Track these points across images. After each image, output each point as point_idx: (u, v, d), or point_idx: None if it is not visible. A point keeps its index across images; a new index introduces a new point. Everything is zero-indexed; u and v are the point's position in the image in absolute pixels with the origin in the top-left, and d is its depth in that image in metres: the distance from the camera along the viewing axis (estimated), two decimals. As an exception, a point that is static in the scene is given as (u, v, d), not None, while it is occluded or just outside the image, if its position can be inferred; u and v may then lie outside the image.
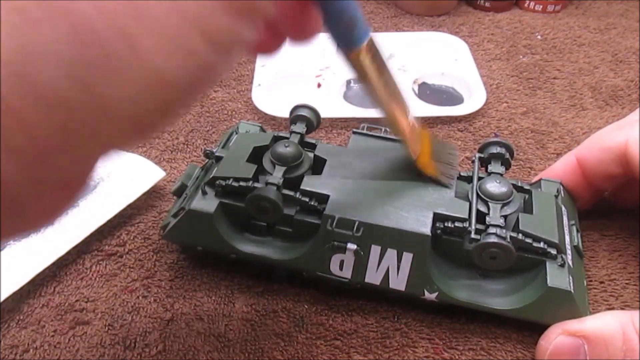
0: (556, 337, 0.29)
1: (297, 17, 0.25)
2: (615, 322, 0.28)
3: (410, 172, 0.34)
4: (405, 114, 0.32)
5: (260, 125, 0.39)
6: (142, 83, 0.16)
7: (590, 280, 0.35)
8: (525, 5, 0.65)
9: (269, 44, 0.26)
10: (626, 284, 0.35)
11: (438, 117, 0.48)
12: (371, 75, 0.29)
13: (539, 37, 0.60)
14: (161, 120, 0.18)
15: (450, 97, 0.51)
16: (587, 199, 0.37)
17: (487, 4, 0.64)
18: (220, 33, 0.17)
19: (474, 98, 0.49)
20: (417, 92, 0.51)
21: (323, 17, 0.25)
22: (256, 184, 0.33)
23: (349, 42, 0.27)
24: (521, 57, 0.57)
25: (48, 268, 0.34)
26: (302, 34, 0.26)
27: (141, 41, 0.15)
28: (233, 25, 0.17)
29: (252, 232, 0.34)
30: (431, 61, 0.54)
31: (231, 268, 0.35)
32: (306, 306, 0.34)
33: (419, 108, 0.48)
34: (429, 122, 0.48)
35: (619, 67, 0.55)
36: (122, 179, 0.40)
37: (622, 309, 0.33)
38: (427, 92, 0.51)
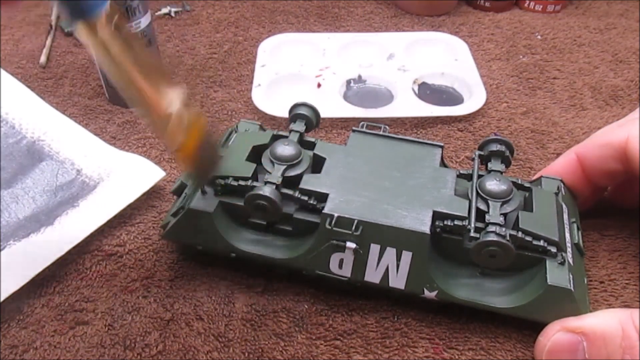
0: (555, 333, 0.29)
1: None
2: (615, 320, 0.28)
3: (409, 171, 0.34)
4: (164, 100, 0.28)
5: (259, 123, 0.39)
6: None
7: (590, 280, 0.35)
8: (525, 5, 0.65)
9: None
10: (626, 284, 0.35)
11: (438, 117, 0.48)
12: (109, 51, 0.25)
13: (539, 37, 0.60)
14: None
15: (450, 97, 0.51)
16: (587, 196, 0.37)
17: (487, 4, 0.64)
18: None
19: (474, 98, 0.49)
20: (417, 92, 0.51)
21: None
22: (255, 183, 0.33)
23: (80, 11, 0.24)
24: (521, 57, 0.57)
25: (48, 268, 0.34)
26: None
27: None
28: None
29: (251, 231, 0.34)
30: (431, 61, 0.54)
31: (231, 268, 0.35)
32: (306, 306, 0.34)
33: (419, 108, 0.48)
34: (429, 122, 0.48)
35: (619, 67, 0.55)
36: (122, 179, 0.40)
37: (622, 308, 0.33)
38: (427, 92, 0.51)
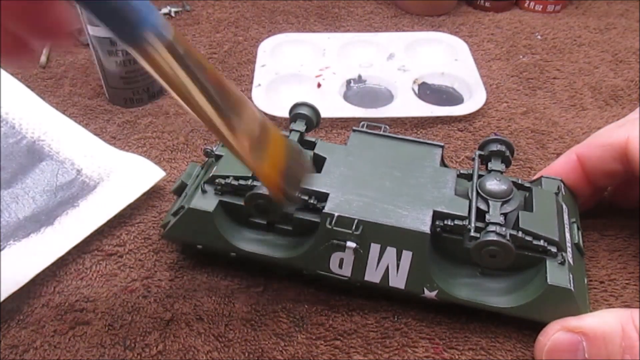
0: (555, 333, 0.29)
1: (30, 15, 0.21)
2: (615, 320, 0.28)
3: (409, 170, 0.34)
4: (244, 116, 0.26)
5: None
6: None
7: (591, 280, 0.35)
8: (525, 5, 0.65)
9: (12, 48, 0.23)
10: (626, 284, 0.35)
11: (438, 117, 0.48)
12: (172, 76, 0.23)
13: (539, 37, 0.60)
14: None
15: (450, 97, 0.51)
16: (587, 197, 0.37)
17: (487, 4, 0.64)
18: None
19: (474, 98, 0.49)
20: (417, 92, 0.51)
21: (88, 10, 0.21)
22: (255, 183, 0.33)
23: (131, 32, 0.21)
24: (521, 57, 0.57)
25: (48, 268, 0.34)
26: (47, 33, 0.23)
27: None
28: None
29: (251, 230, 0.34)
30: (431, 61, 0.54)
31: (231, 268, 0.35)
32: (306, 306, 0.34)
33: (419, 108, 0.48)
34: (429, 122, 0.48)
35: (619, 67, 0.55)
36: (122, 179, 0.40)
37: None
38: (427, 92, 0.51)
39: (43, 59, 0.55)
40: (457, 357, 0.31)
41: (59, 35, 0.23)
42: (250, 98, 0.49)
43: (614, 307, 0.33)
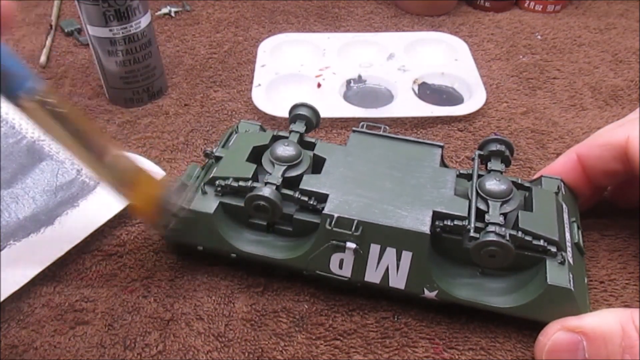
0: (555, 332, 0.29)
1: None
2: (615, 319, 0.28)
3: (409, 171, 0.34)
4: (116, 161, 0.31)
5: (260, 124, 0.39)
6: None
7: (591, 280, 0.35)
8: (525, 5, 0.65)
9: None
10: (626, 284, 0.35)
11: (438, 117, 0.48)
12: (49, 126, 0.29)
13: (539, 37, 0.60)
14: None
15: (450, 97, 0.51)
16: (587, 196, 0.37)
17: (487, 4, 0.64)
18: None
19: (474, 98, 0.49)
20: (417, 92, 0.51)
21: None
22: (255, 184, 0.33)
23: (6, 92, 0.27)
24: (521, 57, 0.57)
25: (48, 268, 0.34)
26: None
27: None
28: None
29: (252, 231, 0.34)
30: (431, 61, 0.54)
31: (231, 268, 0.35)
32: (306, 306, 0.34)
33: (419, 108, 0.48)
34: (429, 122, 0.48)
35: (619, 67, 0.55)
36: (122, 179, 0.40)
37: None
38: (427, 92, 0.51)
39: (43, 59, 0.55)
40: (457, 357, 0.31)
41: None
42: (250, 98, 0.49)
43: (614, 307, 0.33)
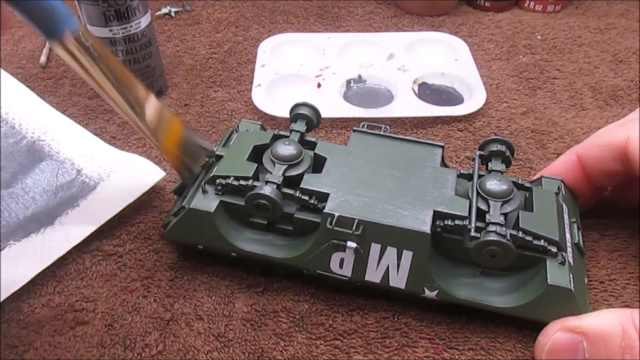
0: (555, 333, 0.29)
1: None
2: (615, 320, 0.28)
3: (410, 170, 0.34)
4: (146, 103, 0.32)
5: (260, 123, 0.39)
6: None
7: (591, 280, 0.35)
8: (525, 5, 0.65)
9: None
10: (626, 284, 0.35)
11: (438, 117, 0.48)
12: (87, 66, 0.29)
13: (539, 37, 0.60)
14: None
15: (450, 97, 0.51)
16: (587, 197, 0.37)
17: (487, 4, 0.64)
18: None
19: (474, 98, 0.49)
20: (417, 92, 0.51)
21: (17, 11, 0.25)
22: (256, 183, 0.33)
23: (49, 31, 0.27)
24: (521, 57, 0.57)
25: (48, 268, 0.34)
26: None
27: None
28: None
29: (252, 230, 0.34)
30: (431, 61, 0.54)
31: (231, 268, 0.35)
32: (306, 306, 0.34)
33: (419, 108, 0.48)
34: (429, 122, 0.48)
35: (619, 67, 0.55)
36: (122, 179, 0.40)
37: (622, 308, 0.33)
38: (427, 92, 0.51)
39: (43, 59, 0.55)
40: (457, 357, 0.31)
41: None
42: (250, 98, 0.49)
43: (614, 307, 0.33)
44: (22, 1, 0.26)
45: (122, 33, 0.45)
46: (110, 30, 0.44)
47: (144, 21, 0.46)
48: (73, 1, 0.43)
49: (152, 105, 0.32)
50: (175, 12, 0.63)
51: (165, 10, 0.63)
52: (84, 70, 0.29)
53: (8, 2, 0.25)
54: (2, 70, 0.49)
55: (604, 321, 0.28)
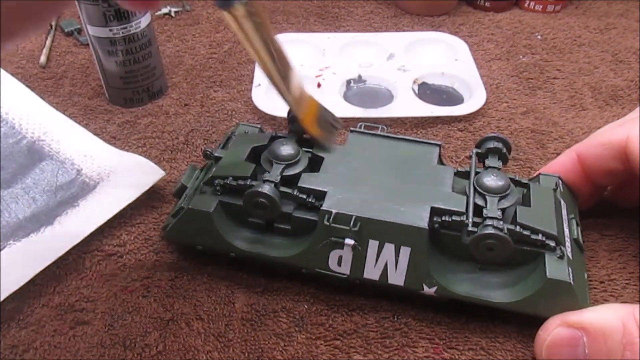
0: (555, 328, 0.29)
1: None
2: (616, 315, 0.28)
3: (407, 169, 0.34)
4: (291, 77, 0.33)
5: (259, 126, 0.39)
6: None
7: (591, 280, 0.35)
8: (525, 5, 0.65)
9: None
10: (626, 284, 0.35)
11: (438, 117, 0.48)
12: (251, 35, 0.29)
13: (539, 37, 0.60)
14: None
15: (450, 97, 0.51)
16: (587, 195, 0.37)
17: (487, 4, 0.64)
18: None
19: (474, 98, 0.49)
20: (417, 92, 0.51)
21: None
22: (254, 182, 0.33)
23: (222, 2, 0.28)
24: (521, 57, 0.57)
25: (48, 268, 0.34)
26: None
27: None
28: None
29: (251, 230, 0.34)
30: (431, 61, 0.54)
31: (231, 268, 0.35)
32: (306, 306, 0.34)
33: (419, 108, 0.48)
34: (429, 122, 0.48)
35: (619, 67, 0.55)
36: (122, 179, 0.40)
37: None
38: (427, 92, 0.51)
39: (43, 59, 0.55)
40: (457, 357, 0.31)
41: None
42: (250, 98, 0.49)
43: (614, 305, 0.33)
44: None
45: (122, 33, 0.45)
46: (110, 30, 0.44)
47: (144, 21, 0.46)
48: (73, 1, 0.42)
49: (295, 78, 0.33)
50: (175, 12, 0.63)
51: (165, 10, 0.63)
52: (248, 39, 0.29)
53: None
54: (2, 70, 0.49)
55: (605, 317, 0.28)
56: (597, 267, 0.36)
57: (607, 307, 0.30)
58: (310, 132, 0.35)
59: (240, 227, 0.34)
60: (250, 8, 0.28)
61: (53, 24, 0.60)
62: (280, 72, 0.32)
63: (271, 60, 0.31)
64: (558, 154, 0.41)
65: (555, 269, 0.30)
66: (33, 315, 0.33)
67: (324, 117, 0.37)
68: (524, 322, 0.32)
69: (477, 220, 0.31)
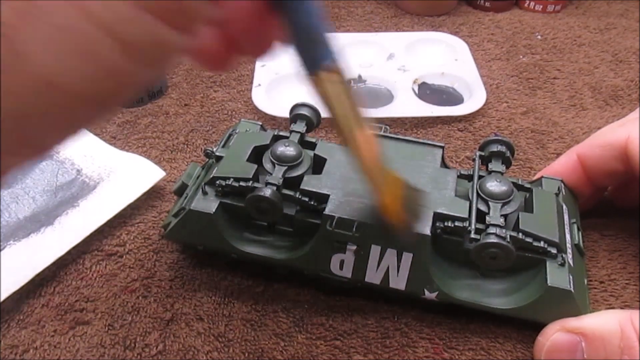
0: (554, 333, 0.29)
1: (254, 25, 0.22)
2: (614, 321, 0.28)
3: (410, 171, 0.34)
4: (375, 150, 0.28)
5: (260, 124, 0.39)
6: (28, 89, 0.13)
7: (590, 280, 0.35)
8: (525, 5, 0.65)
9: (221, 57, 0.23)
10: (626, 284, 0.35)
11: (438, 117, 0.48)
12: (340, 103, 0.26)
13: (539, 37, 0.60)
14: (68, 128, 0.16)
15: (450, 97, 0.51)
16: (588, 196, 0.37)
17: (487, 4, 0.64)
18: (138, 37, 0.14)
19: (474, 98, 0.49)
20: (417, 92, 0.51)
21: (288, 30, 0.23)
22: (256, 184, 0.32)
23: (314, 60, 0.25)
24: (521, 57, 0.57)
25: (48, 268, 0.34)
26: (260, 46, 0.23)
27: (24, 41, 0.13)
28: (156, 28, 0.14)
29: (252, 231, 0.34)
30: (431, 61, 0.54)
31: (231, 268, 0.35)
32: (306, 306, 0.34)
33: (419, 108, 0.48)
34: (429, 122, 0.48)
35: (619, 67, 0.55)
36: (122, 179, 0.40)
37: (622, 308, 0.33)
38: (427, 92, 0.51)
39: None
40: (457, 357, 0.31)
41: (269, 49, 0.24)
42: (250, 98, 0.49)
43: (613, 308, 0.33)
44: (299, 19, 0.23)
45: (122, 33, 0.45)
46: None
47: (144, 21, 0.46)
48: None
49: (379, 151, 0.28)
50: (175, 12, 0.63)
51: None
52: (332, 108, 0.26)
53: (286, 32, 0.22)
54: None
55: (603, 322, 0.28)
56: (597, 267, 0.36)
57: (606, 312, 0.30)
58: (395, 221, 0.29)
59: (241, 229, 0.34)
60: (342, 73, 0.25)
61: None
62: (363, 145, 0.27)
63: (356, 132, 0.26)
64: (558, 154, 0.41)
65: (557, 276, 0.30)
66: (33, 315, 0.33)
67: (411, 198, 0.30)
68: (524, 323, 0.32)
69: (479, 226, 0.31)
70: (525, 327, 0.32)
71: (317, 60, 0.24)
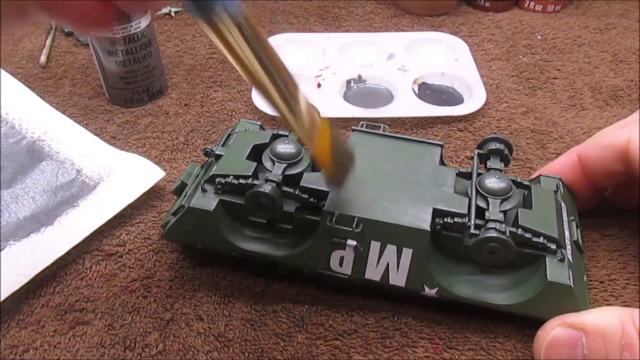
0: (554, 328, 0.29)
1: None
2: (615, 317, 0.28)
3: (409, 169, 0.34)
4: (299, 99, 0.27)
5: (260, 123, 0.39)
6: None
7: (590, 280, 0.35)
8: (525, 5, 0.65)
9: (96, 14, 0.22)
10: (626, 284, 0.35)
11: (438, 117, 0.48)
12: (236, 48, 0.24)
13: (539, 37, 0.60)
14: None
15: (450, 97, 0.51)
16: (587, 197, 0.37)
17: (487, 4, 0.64)
18: None
19: (474, 98, 0.49)
20: (417, 92, 0.51)
21: None
22: (256, 181, 0.33)
23: (205, 8, 0.23)
24: (521, 57, 0.57)
25: (48, 268, 0.34)
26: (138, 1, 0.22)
27: None
28: None
29: (252, 229, 0.34)
30: (431, 61, 0.54)
31: (231, 268, 0.35)
32: (306, 306, 0.34)
33: (419, 108, 0.48)
34: (429, 122, 0.48)
35: (619, 67, 0.55)
36: (122, 179, 0.40)
37: (622, 308, 0.33)
38: (427, 92, 0.51)
39: (43, 59, 0.55)
40: (457, 357, 0.31)
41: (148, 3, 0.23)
42: (250, 98, 0.49)
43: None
44: None
45: (122, 33, 0.45)
46: (110, 30, 0.44)
47: (144, 21, 0.46)
48: None
49: (303, 101, 0.28)
50: (175, 12, 0.63)
51: (165, 10, 0.63)
52: (236, 56, 0.25)
53: None
54: (2, 70, 0.49)
55: (604, 318, 0.28)
56: (597, 267, 0.36)
57: (607, 309, 0.30)
58: (324, 167, 0.30)
59: (241, 226, 0.34)
60: (237, 16, 0.24)
61: (53, 24, 0.60)
62: (284, 93, 0.26)
63: (271, 81, 0.26)
64: (558, 154, 0.41)
65: (556, 272, 0.30)
66: (33, 315, 0.33)
67: (340, 149, 0.31)
68: (524, 322, 0.32)
69: (479, 222, 0.31)
70: (525, 326, 0.32)
71: (208, 8, 0.23)
